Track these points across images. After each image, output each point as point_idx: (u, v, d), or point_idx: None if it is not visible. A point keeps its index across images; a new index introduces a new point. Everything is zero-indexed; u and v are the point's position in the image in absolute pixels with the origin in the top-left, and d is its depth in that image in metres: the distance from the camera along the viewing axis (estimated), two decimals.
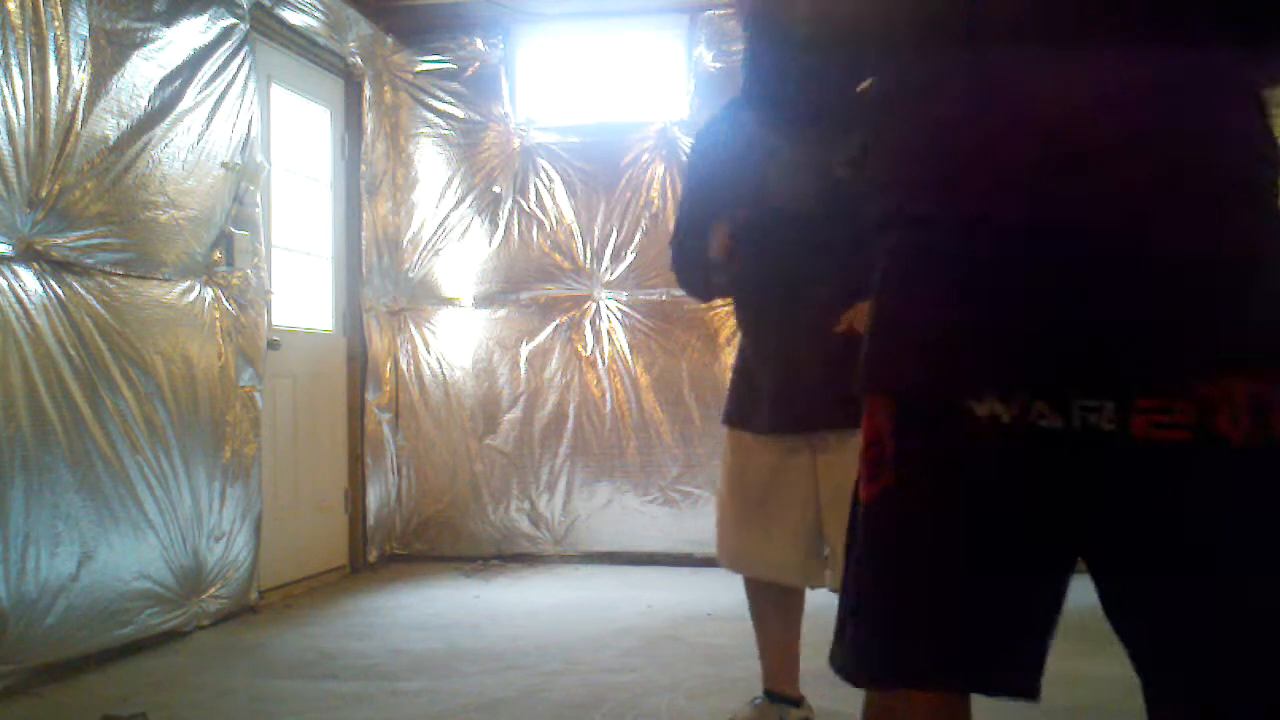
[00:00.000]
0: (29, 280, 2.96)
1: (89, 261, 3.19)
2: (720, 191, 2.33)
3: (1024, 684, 1.07)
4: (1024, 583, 1.06)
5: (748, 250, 2.30)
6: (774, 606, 2.43)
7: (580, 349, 5.14)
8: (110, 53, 3.27)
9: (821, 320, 2.15)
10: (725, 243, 2.28)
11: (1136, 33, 0.99)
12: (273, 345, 4.15)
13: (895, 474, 1.09)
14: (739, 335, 2.48)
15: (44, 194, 3.02)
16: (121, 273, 3.32)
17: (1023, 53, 1.01)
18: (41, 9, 2.99)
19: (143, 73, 3.41)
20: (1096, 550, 1.05)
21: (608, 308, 5.13)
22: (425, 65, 5.28)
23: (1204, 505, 0.98)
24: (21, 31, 2.94)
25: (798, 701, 2.45)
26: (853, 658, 1.12)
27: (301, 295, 4.62)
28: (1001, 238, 1.02)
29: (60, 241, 3.07)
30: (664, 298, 5.09)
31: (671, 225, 5.00)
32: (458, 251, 5.26)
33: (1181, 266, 0.97)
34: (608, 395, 5.09)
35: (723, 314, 5.04)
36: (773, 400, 2.30)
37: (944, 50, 1.06)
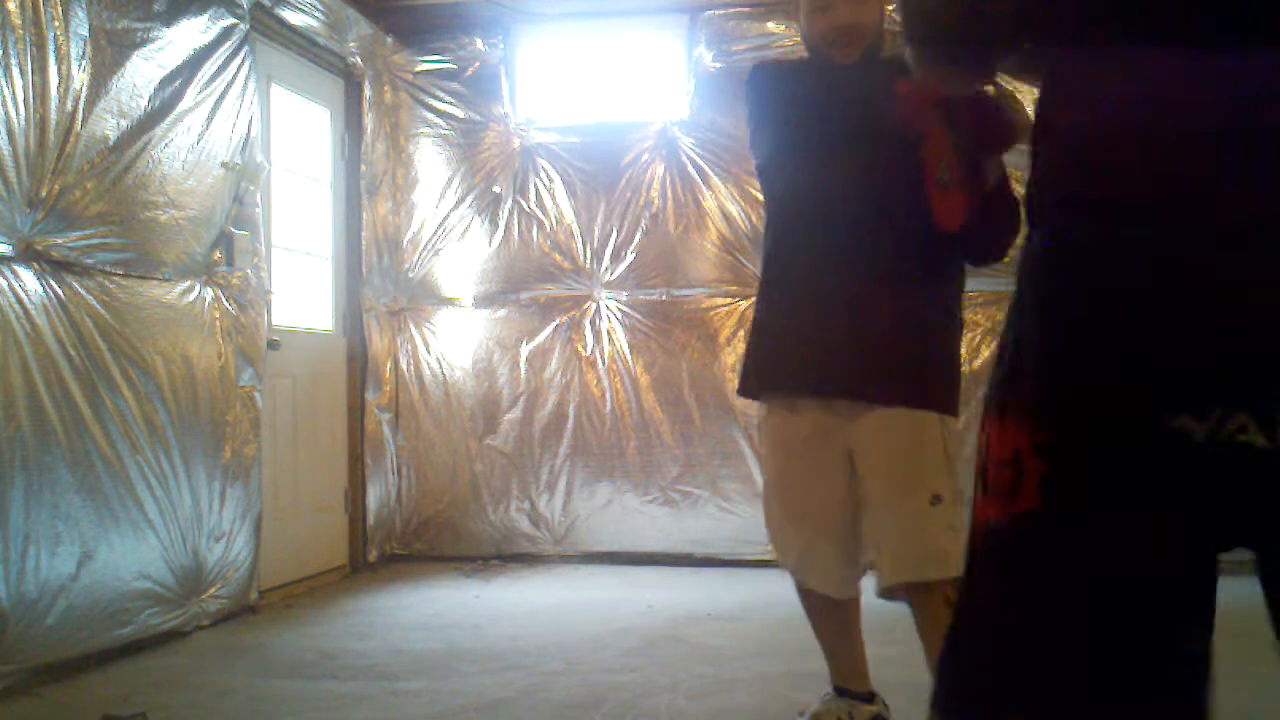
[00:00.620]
0: (29, 280, 2.97)
1: (89, 261, 3.19)
2: (787, 136, 2.25)
3: (1191, 712, 0.99)
4: (1191, 604, 0.98)
5: (803, 198, 2.23)
6: (825, 608, 2.37)
7: (580, 349, 5.14)
8: (110, 53, 3.27)
9: (871, 287, 2.09)
10: None
11: None
12: (273, 345, 4.15)
13: (1042, 497, 0.98)
14: (759, 297, 2.35)
15: (44, 194, 3.02)
16: (121, 273, 3.32)
17: (1200, 38, 0.92)
18: (41, 9, 2.99)
19: (143, 73, 3.41)
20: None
21: (608, 308, 5.13)
22: (425, 65, 5.28)
23: None
24: (21, 31, 2.94)
25: (869, 697, 2.40)
26: (989, 699, 1.02)
27: (301, 295, 4.62)
28: (1190, 228, 0.91)
29: (60, 241, 3.07)
30: (664, 298, 5.09)
31: (673, 223, 5.04)
32: (458, 251, 5.26)
33: None
34: (608, 395, 5.09)
35: (723, 314, 5.04)
36: (803, 356, 2.19)
37: (1124, 32, 0.97)
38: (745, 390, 2.36)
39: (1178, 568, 0.97)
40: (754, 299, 4.98)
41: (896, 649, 2.54)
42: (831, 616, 2.39)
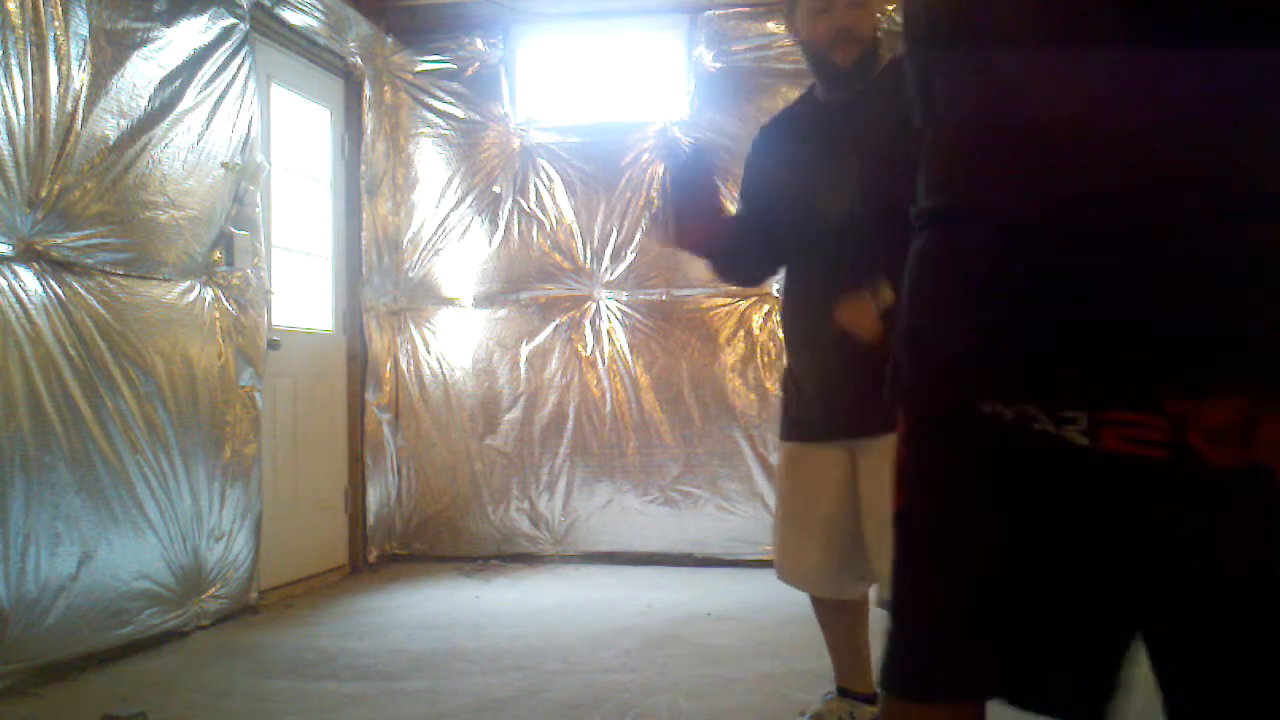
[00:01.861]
0: (29, 280, 2.97)
1: (89, 261, 3.19)
2: (771, 195, 2.34)
3: (1055, 704, 1.05)
4: (1041, 593, 1.04)
5: (794, 255, 2.32)
6: (833, 609, 2.42)
7: (580, 349, 5.14)
8: (110, 53, 3.27)
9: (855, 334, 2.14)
10: None
11: (1148, 34, 0.96)
12: (273, 345, 4.15)
13: (908, 482, 1.10)
14: (786, 348, 2.47)
15: (44, 194, 3.02)
16: (121, 273, 3.32)
17: (1036, 55, 1.00)
18: (41, 9, 2.99)
19: (143, 73, 3.41)
20: (1090, 558, 1.03)
21: (608, 308, 5.13)
22: (425, 65, 5.28)
23: (1176, 523, 0.95)
24: (21, 31, 2.94)
25: (870, 698, 2.42)
26: (885, 667, 1.13)
27: (301, 295, 4.62)
28: (1003, 242, 1.00)
29: (60, 241, 3.07)
30: (664, 298, 5.09)
31: None
32: (458, 251, 5.26)
33: (1164, 276, 0.93)
34: (608, 395, 5.09)
35: (723, 314, 5.04)
36: (815, 407, 2.30)
37: (965, 53, 1.05)
38: (783, 437, 2.45)
39: (1016, 554, 1.05)
40: (753, 299, 5.05)
41: None
42: (840, 617, 2.41)
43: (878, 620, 2.42)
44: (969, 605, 1.06)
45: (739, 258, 2.37)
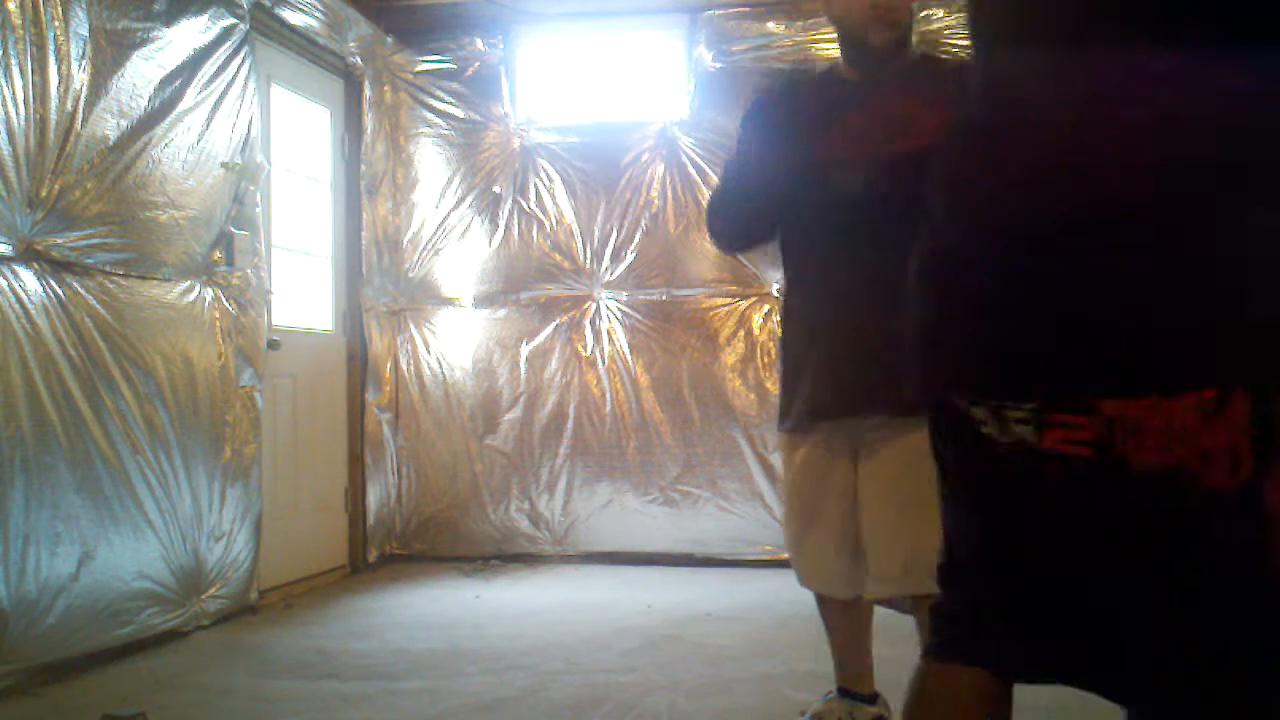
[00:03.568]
0: (29, 280, 2.97)
1: (89, 261, 3.19)
2: (781, 163, 2.24)
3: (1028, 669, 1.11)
4: (1039, 584, 1.09)
5: (805, 227, 2.25)
6: (837, 609, 2.38)
7: (580, 349, 5.14)
8: (110, 53, 3.27)
9: (867, 310, 2.04)
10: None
11: (1144, 37, 0.97)
12: (273, 345, 4.15)
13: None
14: (784, 332, 2.39)
15: (44, 194, 3.02)
16: (121, 273, 3.32)
17: (1015, 64, 1.03)
18: (41, 9, 2.99)
19: (143, 73, 3.42)
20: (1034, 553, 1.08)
21: (608, 308, 5.13)
22: (425, 65, 5.28)
23: (1099, 521, 1.00)
24: (21, 31, 2.94)
25: (871, 698, 2.41)
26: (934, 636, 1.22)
27: (301, 295, 4.62)
28: (972, 254, 1.05)
29: (60, 241, 3.07)
30: (664, 298, 5.09)
31: (673, 223, 5.04)
32: (458, 251, 5.26)
33: (1105, 285, 0.96)
34: (608, 395, 5.09)
35: (723, 314, 5.04)
36: (814, 388, 2.22)
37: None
38: (782, 429, 2.38)
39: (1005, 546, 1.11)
40: (753, 299, 5.05)
41: (897, 650, 2.55)
42: (845, 619, 2.39)
43: (879, 620, 2.43)
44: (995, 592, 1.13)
45: (748, 210, 2.29)
